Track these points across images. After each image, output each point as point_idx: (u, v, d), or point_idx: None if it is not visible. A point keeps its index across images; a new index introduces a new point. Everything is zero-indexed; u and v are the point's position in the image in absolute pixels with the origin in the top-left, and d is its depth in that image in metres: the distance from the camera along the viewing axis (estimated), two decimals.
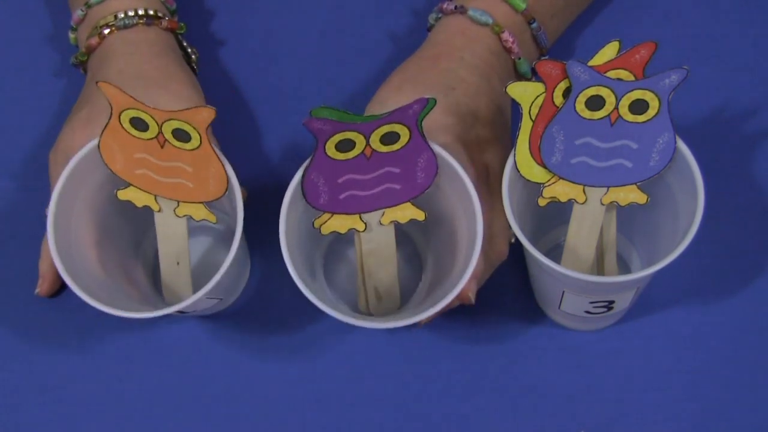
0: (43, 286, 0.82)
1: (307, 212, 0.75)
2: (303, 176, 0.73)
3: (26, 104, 0.90)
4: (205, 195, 0.75)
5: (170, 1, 0.86)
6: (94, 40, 0.83)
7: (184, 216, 0.76)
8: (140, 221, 0.80)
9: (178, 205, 0.75)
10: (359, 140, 0.72)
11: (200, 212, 0.75)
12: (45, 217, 0.81)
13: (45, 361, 0.81)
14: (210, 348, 0.82)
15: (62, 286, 0.83)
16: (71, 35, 0.86)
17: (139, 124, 0.73)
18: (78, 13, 0.84)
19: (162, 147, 0.73)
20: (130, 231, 0.81)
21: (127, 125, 0.73)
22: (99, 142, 0.74)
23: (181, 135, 0.73)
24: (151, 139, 0.73)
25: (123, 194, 0.76)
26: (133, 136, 0.73)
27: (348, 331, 0.82)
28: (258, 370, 0.81)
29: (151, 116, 0.72)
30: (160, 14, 0.84)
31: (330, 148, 0.72)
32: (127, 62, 0.81)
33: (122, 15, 0.83)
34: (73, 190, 0.75)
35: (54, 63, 0.92)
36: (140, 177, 0.75)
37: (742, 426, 0.78)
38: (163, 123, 0.72)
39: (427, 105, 0.71)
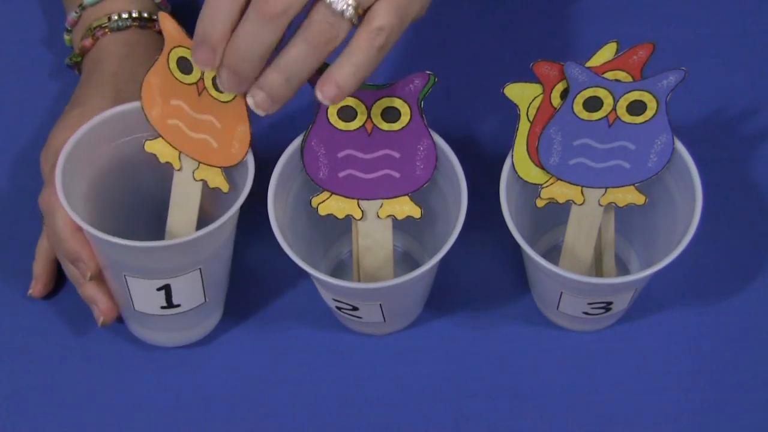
0: (36, 287, 0.82)
1: (303, 193, 0.76)
2: (303, 141, 0.74)
3: (22, 105, 0.90)
4: (226, 159, 0.75)
5: (165, 2, 0.87)
6: (88, 42, 0.83)
7: (201, 180, 0.76)
8: (131, 217, 0.81)
9: (198, 168, 0.76)
10: (361, 110, 0.73)
11: (217, 179, 0.75)
12: (40, 218, 0.81)
13: (42, 361, 0.81)
14: (207, 347, 0.82)
15: (55, 287, 0.83)
16: (66, 37, 0.87)
17: (184, 66, 0.73)
18: (72, 15, 0.85)
19: (199, 95, 0.73)
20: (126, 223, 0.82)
21: (173, 65, 0.73)
22: (142, 82, 0.74)
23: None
24: (192, 84, 0.73)
25: (150, 146, 0.76)
26: (176, 78, 0.73)
27: (345, 331, 0.82)
28: (254, 371, 0.81)
29: None
30: (154, 17, 0.84)
31: (332, 114, 0.73)
32: (122, 64, 0.81)
33: (116, 17, 0.83)
34: (71, 177, 0.75)
35: (50, 64, 0.92)
36: (171, 128, 0.75)
37: (741, 426, 0.78)
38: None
39: (428, 82, 0.72)
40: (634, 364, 0.80)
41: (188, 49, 0.72)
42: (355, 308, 0.76)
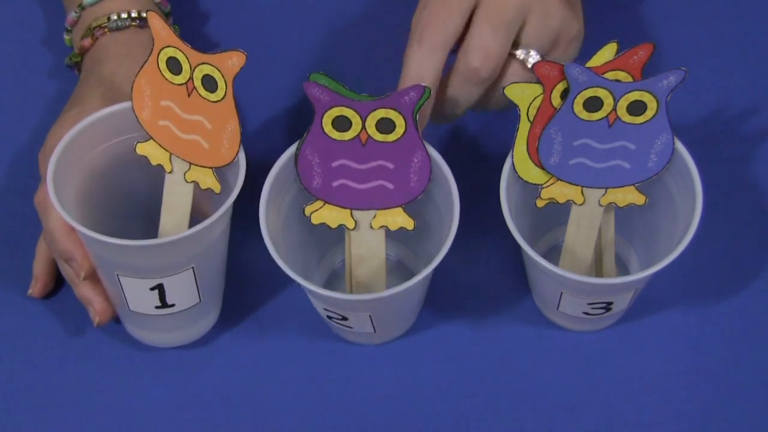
0: (36, 287, 0.82)
1: (298, 201, 0.75)
2: (298, 150, 0.74)
3: (22, 105, 0.90)
4: (217, 159, 0.75)
5: (164, 3, 0.87)
6: (87, 41, 0.83)
7: (192, 182, 0.76)
8: (122, 220, 0.81)
9: (189, 169, 0.76)
10: (356, 120, 0.72)
11: (208, 179, 0.75)
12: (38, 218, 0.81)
13: (41, 361, 0.81)
14: (204, 348, 0.82)
15: (55, 287, 0.83)
16: (66, 37, 0.87)
17: (174, 66, 0.73)
18: (72, 15, 0.85)
19: (189, 95, 0.73)
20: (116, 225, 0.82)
21: (162, 65, 0.73)
22: (133, 84, 0.74)
23: (209, 83, 0.73)
24: (181, 84, 0.73)
25: (141, 148, 0.76)
26: (166, 79, 0.74)
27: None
28: (252, 372, 0.81)
29: (186, 57, 0.72)
30: None
31: (327, 124, 0.73)
32: (120, 64, 0.81)
33: (115, 17, 0.83)
34: (64, 177, 0.75)
35: (50, 64, 0.92)
36: (162, 130, 0.75)
37: (741, 426, 0.78)
38: (195, 67, 0.73)
39: (423, 94, 0.72)
40: (634, 364, 0.80)
41: (177, 49, 0.72)
42: (344, 318, 0.76)
